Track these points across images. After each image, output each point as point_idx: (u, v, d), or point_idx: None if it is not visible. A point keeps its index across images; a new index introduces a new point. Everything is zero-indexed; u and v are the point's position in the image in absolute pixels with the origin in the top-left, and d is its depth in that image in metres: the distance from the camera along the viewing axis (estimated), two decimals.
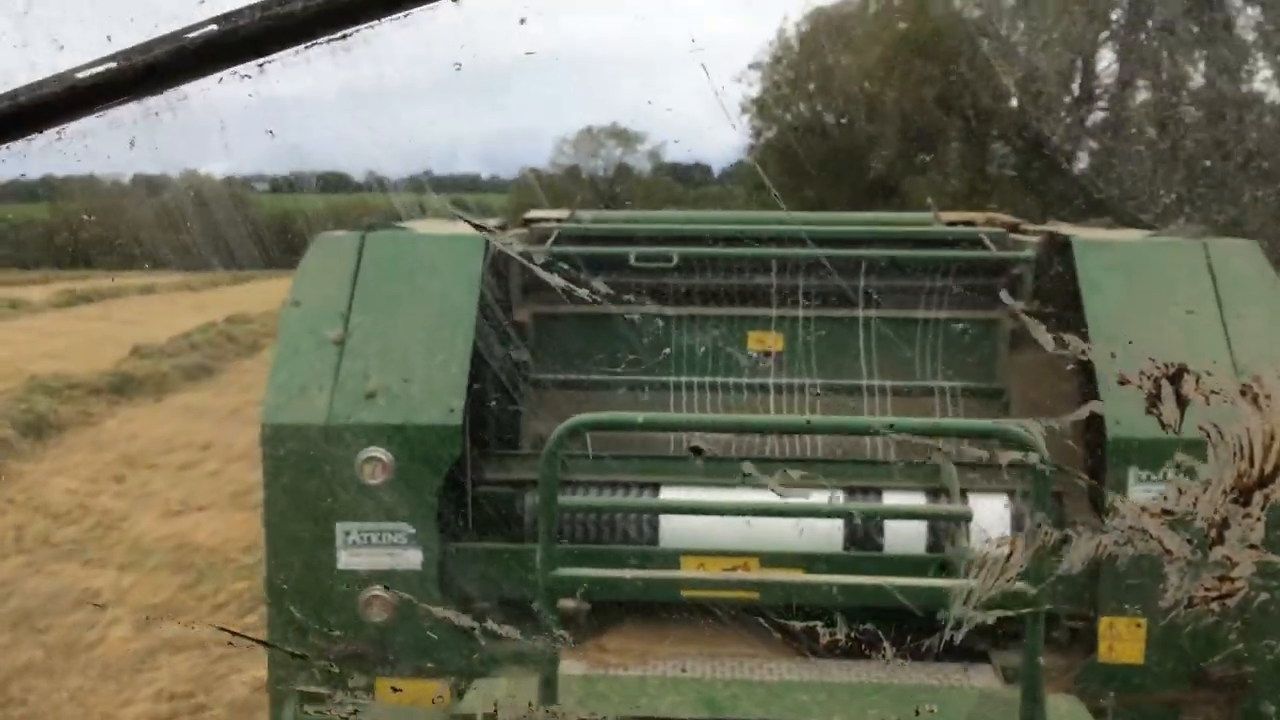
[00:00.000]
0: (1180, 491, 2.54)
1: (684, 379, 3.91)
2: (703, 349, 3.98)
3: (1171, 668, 3.08)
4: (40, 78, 0.89)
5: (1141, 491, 3.06)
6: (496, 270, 3.77)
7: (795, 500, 3.30)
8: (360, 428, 3.15)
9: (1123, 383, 2.93)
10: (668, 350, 3.96)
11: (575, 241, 4.07)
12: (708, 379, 3.91)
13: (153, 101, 0.87)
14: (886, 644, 2.80)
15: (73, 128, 0.92)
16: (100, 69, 0.89)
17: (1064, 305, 3.58)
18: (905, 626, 2.88)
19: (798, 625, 2.77)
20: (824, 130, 23.04)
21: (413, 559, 3.19)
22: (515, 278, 4.01)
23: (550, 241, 3.98)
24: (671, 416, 3.35)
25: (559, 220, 4.31)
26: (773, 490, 3.30)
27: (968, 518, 3.16)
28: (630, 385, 3.89)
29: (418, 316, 3.36)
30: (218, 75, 0.92)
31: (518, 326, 3.94)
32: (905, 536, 3.35)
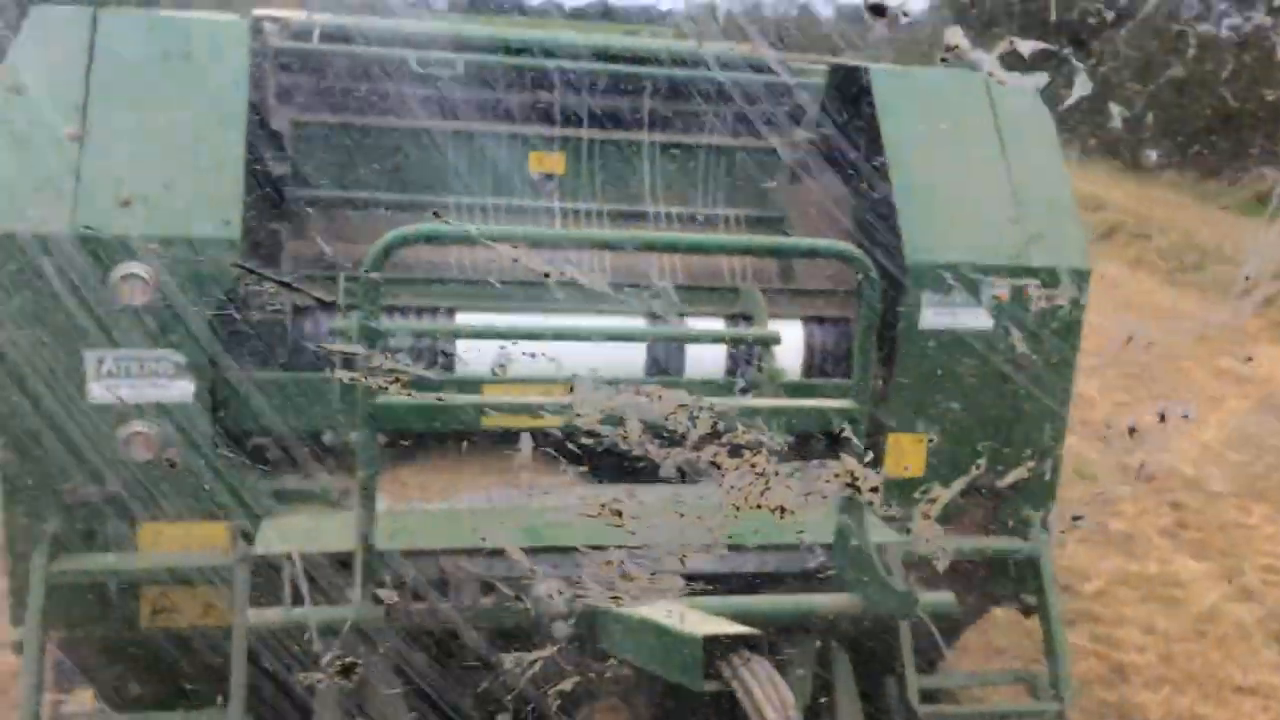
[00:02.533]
0: None
1: (462, 200, 3.65)
2: (481, 168, 3.73)
3: (947, 479, 3.30)
4: None
5: (933, 314, 3.20)
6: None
7: (616, 324, 3.21)
8: (116, 240, 2.70)
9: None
10: (445, 167, 3.67)
11: (338, 43, 3.64)
12: (489, 200, 3.67)
13: None
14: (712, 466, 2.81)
15: None
16: None
17: (845, 135, 3.63)
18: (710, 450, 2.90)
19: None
20: None
21: (183, 390, 2.81)
22: (270, 77, 3.55)
23: (316, 38, 3.53)
24: (506, 230, 3.11)
25: (286, 19, 3.83)
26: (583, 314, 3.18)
27: (776, 340, 3.19)
28: (401, 205, 3.59)
29: (175, 112, 2.89)
30: None
31: (274, 135, 3.50)
32: (707, 362, 3.34)
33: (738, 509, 2.21)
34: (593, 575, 2.49)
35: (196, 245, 2.75)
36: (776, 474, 2.18)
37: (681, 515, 2.35)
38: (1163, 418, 2.30)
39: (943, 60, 3.02)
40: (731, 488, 2.18)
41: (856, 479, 2.23)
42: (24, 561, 2.77)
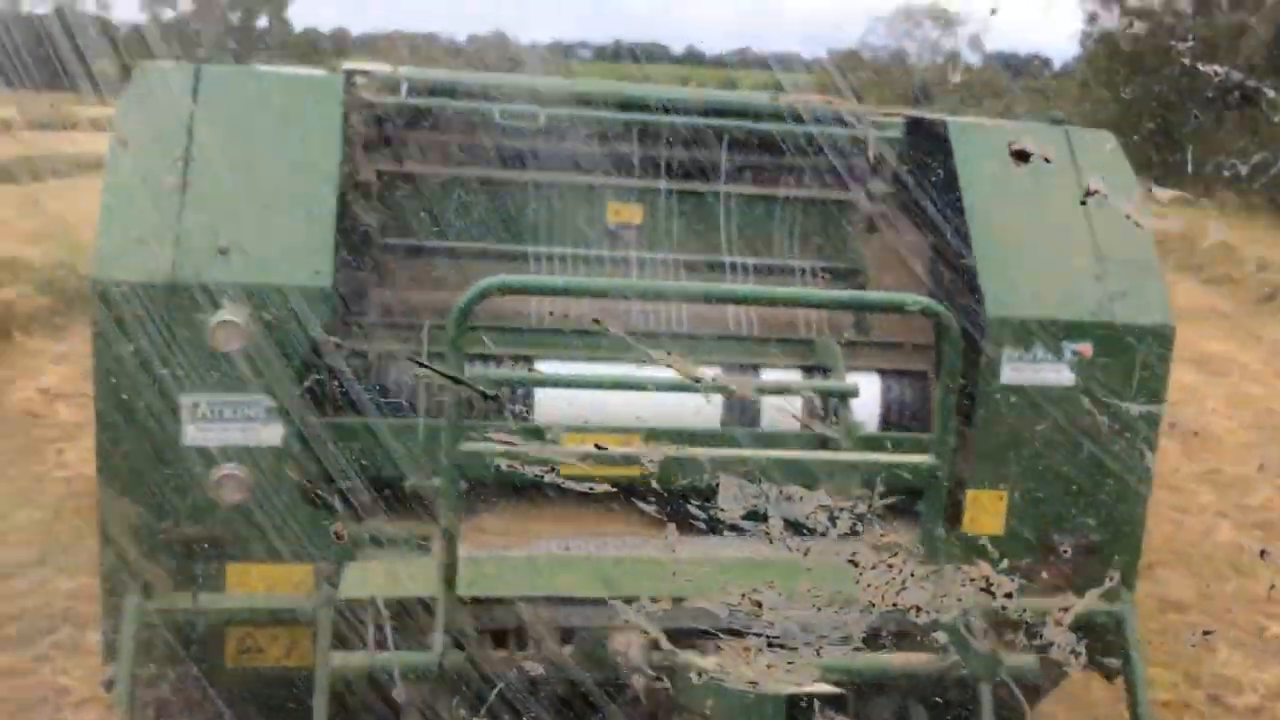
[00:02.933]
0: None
1: (541, 249, 3.72)
2: (560, 218, 3.79)
3: (1026, 539, 3.26)
4: None
5: (1012, 370, 3.18)
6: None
7: (702, 376, 3.22)
8: (213, 287, 2.79)
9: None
10: (528, 217, 3.74)
11: (427, 95, 3.74)
12: (567, 250, 3.73)
13: None
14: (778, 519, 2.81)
15: None
16: None
17: (923, 187, 3.63)
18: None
19: (693, 504, 2.72)
20: (1175, 15, 18.50)
21: (272, 435, 2.89)
22: (359, 130, 3.65)
23: (405, 93, 3.63)
24: (593, 282, 3.16)
25: (374, 73, 3.94)
26: (666, 365, 3.21)
27: (854, 393, 3.19)
28: (482, 254, 3.66)
29: (272, 165, 2.99)
30: None
31: (362, 185, 3.60)
32: (783, 414, 3.35)
33: (873, 605, 2.24)
34: (674, 627, 2.50)
35: (289, 294, 2.83)
36: (913, 574, 2.22)
37: (818, 610, 2.34)
38: None
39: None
40: (869, 585, 2.22)
41: (991, 584, 2.25)
42: (117, 599, 2.85)
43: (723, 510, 2.60)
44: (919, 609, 2.23)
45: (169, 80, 3.06)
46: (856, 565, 2.24)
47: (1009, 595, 2.34)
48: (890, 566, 2.23)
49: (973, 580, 2.32)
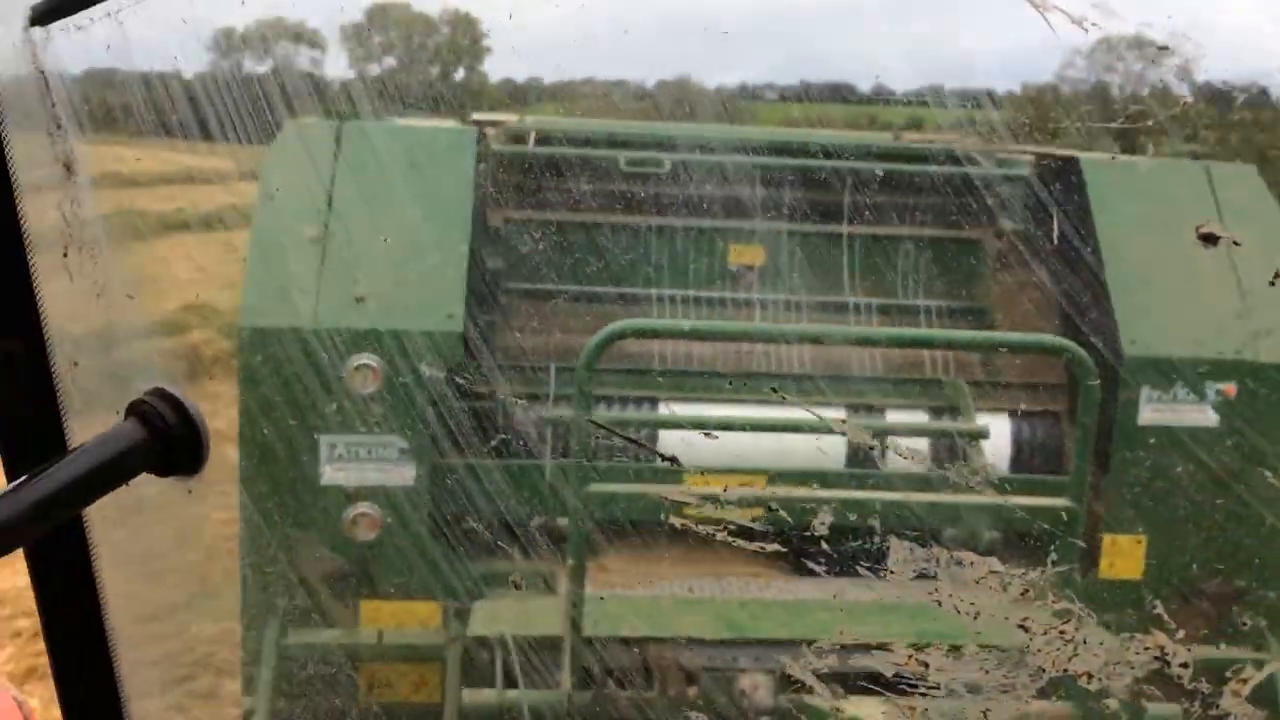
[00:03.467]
0: None
1: (665, 291, 3.76)
2: (684, 261, 3.83)
3: (1168, 584, 3.13)
4: None
5: (1152, 411, 3.08)
6: None
7: (828, 417, 3.22)
8: (350, 333, 2.90)
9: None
10: (648, 262, 3.79)
11: (553, 144, 3.83)
12: (690, 292, 3.76)
13: None
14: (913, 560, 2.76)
15: None
16: None
17: (1050, 224, 3.56)
18: (910, 545, 2.85)
19: (823, 544, 2.69)
20: None
21: (405, 475, 2.98)
22: (489, 178, 3.76)
23: (533, 142, 3.73)
24: (719, 325, 3.20)
25: (502, 122, 4.06)
26: (791, 404, 3.21)
27: (985, 435, 3.13)
28: (607, 297, 3.72)
29: (407, 214, 3.11)
30: None
31: (491, 231, 3.71)
32: (910, 454, 3.30)
33: (1044, 671, 2.21)
34: (798, 669, 2.48)
35: (424, 339, 2.92)
36: (1085, 641, 2.19)
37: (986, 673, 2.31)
38: None
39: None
40: (1038, 651, 2.20)
41: (1166, 653, 2.20)
42: (257, 634, 2.96)
43: (892, 573, 2.59)
44: (1090, 675, 2.18)
45: (312, 135, 3.21)
46: (1027, 631, 2.20)
47: (1184, 665, 2.26)
48: (1062, 634, 2.19)
49: (1147, 649, 2.26)
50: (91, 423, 1.05)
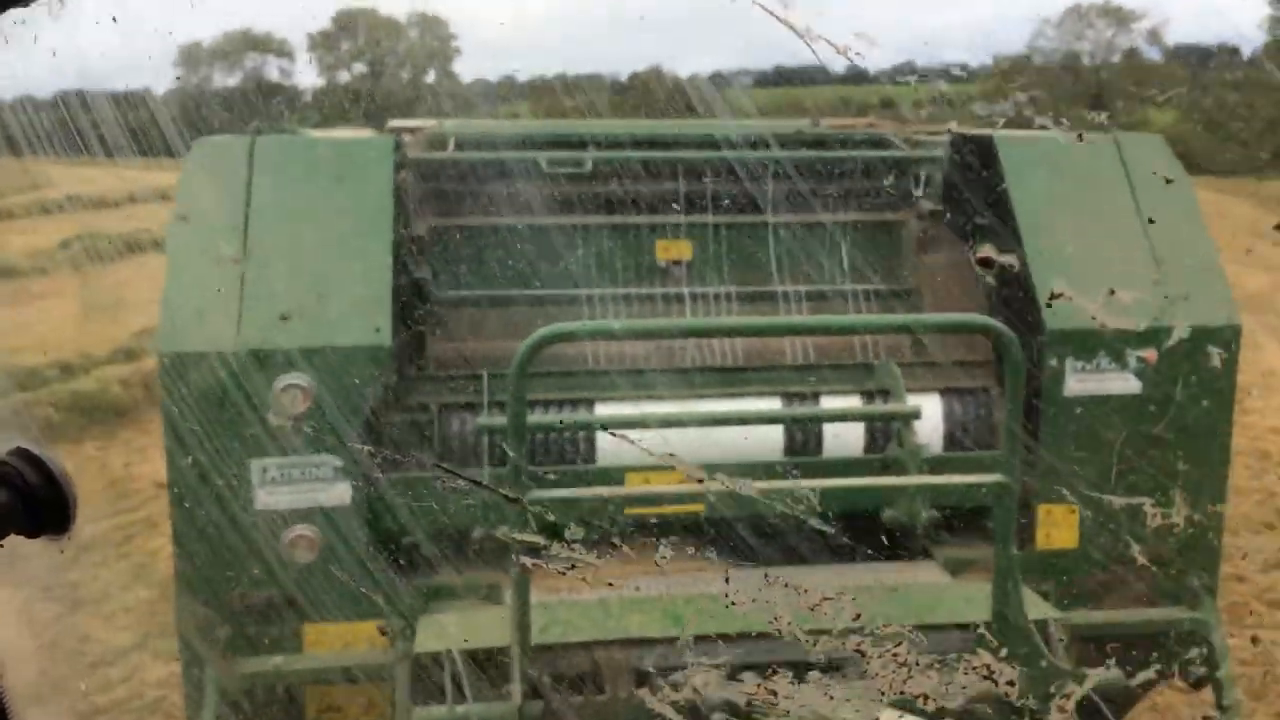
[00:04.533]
0: None
1: (594, 291, 3.74)
2: (611, 259, 3.82)
3: (1102, 551, 3.20)
4: None
5: (1077, 381, 3.14)
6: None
7: (754, 407, 3.23)
8: (277, 353, 2.85)
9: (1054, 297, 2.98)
10: (574, 262, 3.77)
11: (473, 148, 3.80)
12: (619, 290, 3.75)
13: None
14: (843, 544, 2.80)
15: None
16: None
17: (969, 203, 3.61)
18: (848, 530, 2.88)
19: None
20: None
21: (340, 494, 2.93)
22: (411, 187, 3.72)
23: (452, 147, 3.69)
24: (648, 323, 3.19)
25: (420, 129, 4.01)
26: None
27: (916, 416, 3.17)
28: (536, 300, 3.69)
29: (328, 228, 3.05)
30: None
31: (414, 240, 3.66)
32: (845, 439, 3.33)
33: (883, 694, 2.27)
34: (749, 663, 2.49)
35: (351, 354, 2.88)
36: (918, 663, 2.24)
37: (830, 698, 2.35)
38: None
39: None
40: (875, 675, 2.25)
41: (993, 673, 2.27)
42: (196, 665, 2.89)
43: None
44: (926, 697, 2.25)
45: (225, 152, 3.14)
46: (864, 655, 2.25)
47: (1010, 684, 2.35)
48: (895, 656, 2.24)
49: (974, 669, 2.34)
50: None
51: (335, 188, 3.10)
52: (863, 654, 2.24)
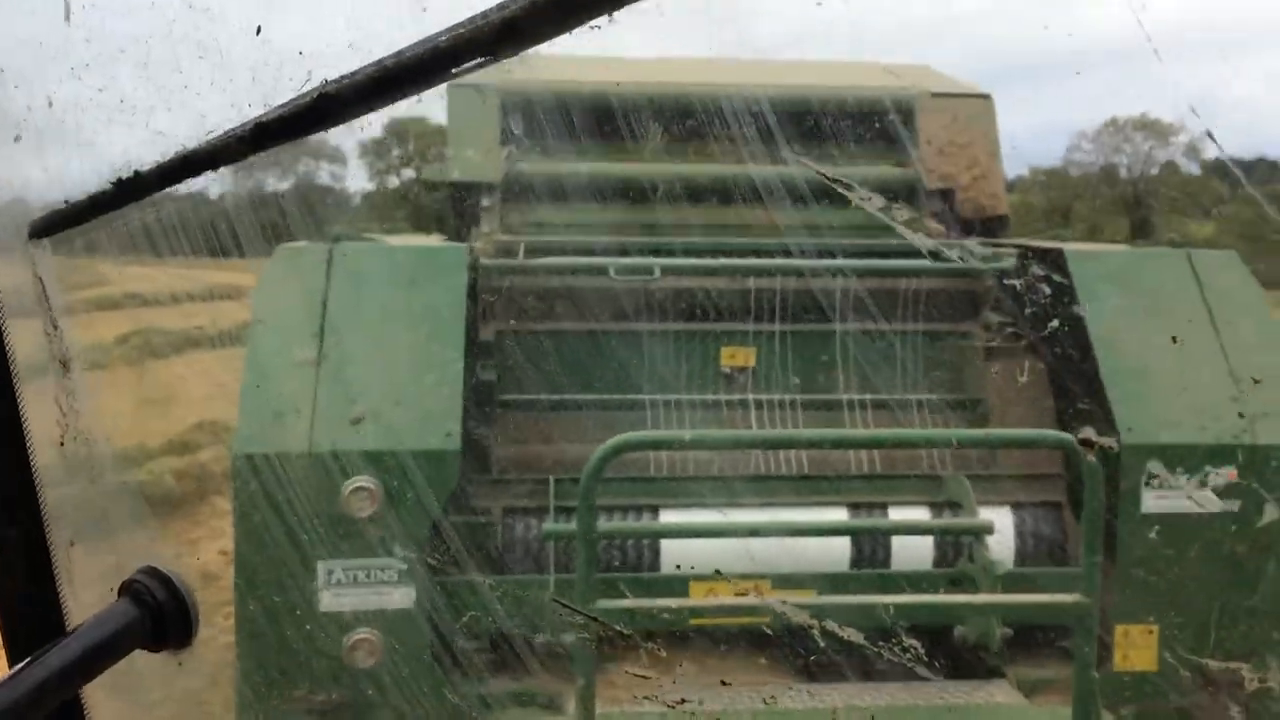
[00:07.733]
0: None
1: (658, 397, 3.75)
2: (676, 365, 3.84)
3: (1184, 673, 3.09)
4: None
5: (1153, 497, 3.07)
6: None
7: (822, 518, 3.20)
8: (347, 455, 2.89)
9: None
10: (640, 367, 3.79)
11: (540, 255, 3.87)
12: (683, 396, 3.76)
13: None
14: (918, 662, 2.73)
15: None
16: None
17: (1039, 316, 3.59)
18: (918, 646, 2.81)
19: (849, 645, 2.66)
20: None
21: (404, 597, 2.94)
22: (480, 294, 3.79)
23: (521, 254, 3.77)
24: (720, 434, 3.19)
25: (491, 235, 4.08)
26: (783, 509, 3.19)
27: (990, 530, 3.11)
28: (599, 405, 3.71)
29: (402, 334, 3.12)
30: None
31: (483, 345, 3.72)
32: (913, 552, 3.28)
33: None
34: None
35: (422, 458, 2.91)
36: None
37: None
38: None
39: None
40: None
41: None
42: None
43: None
44: None
45: (304, 259, 3.24)
46: None
47: None
48: None
49: None
50: (88, 599, 1.04)
51: (410, 294, 3.17)
52: None
